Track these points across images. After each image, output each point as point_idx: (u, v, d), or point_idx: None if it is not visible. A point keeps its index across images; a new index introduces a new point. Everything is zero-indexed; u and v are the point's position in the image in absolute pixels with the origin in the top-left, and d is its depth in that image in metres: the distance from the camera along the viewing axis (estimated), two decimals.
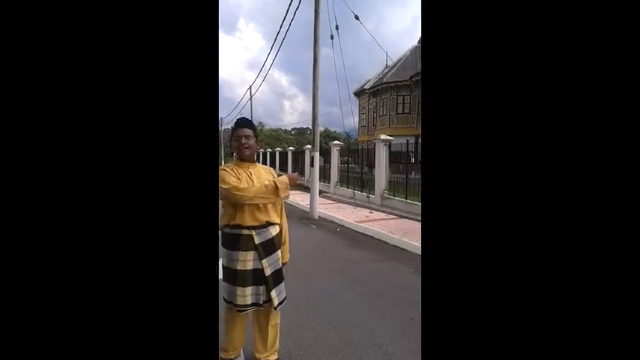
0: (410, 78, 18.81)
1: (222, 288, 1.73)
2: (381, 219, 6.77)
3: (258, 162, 2.00)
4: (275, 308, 1.77)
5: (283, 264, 1.91)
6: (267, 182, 1.71)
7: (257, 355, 1.88)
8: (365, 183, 9.71)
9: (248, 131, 1.79)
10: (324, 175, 11.62)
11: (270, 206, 1.80)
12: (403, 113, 19.65)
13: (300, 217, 7.06)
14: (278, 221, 1.85)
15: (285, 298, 1.84)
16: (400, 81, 19.36)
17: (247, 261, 1.70)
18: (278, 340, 1.92)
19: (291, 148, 17.81)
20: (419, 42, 21.36)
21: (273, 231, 1.80)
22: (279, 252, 1.83)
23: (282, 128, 50.63)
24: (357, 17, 7.32)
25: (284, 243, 1.94)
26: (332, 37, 7.74)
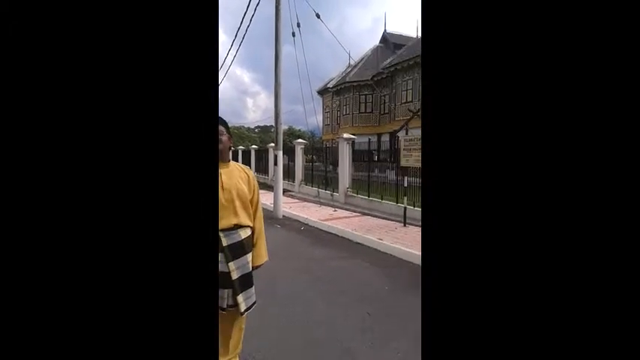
0: (371, 78, 19.18)
1: None
2: (345, 217, 6.88)
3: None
4: (242, 313, 1.74)
5: (256, 267, 1.88)
6: None
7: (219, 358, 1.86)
8: (329, 181, 9.80)
9: (220, 127, 1.72)
10: (289, 174, 11.59)
11: (240, 209, 1.75)
12: (366, 112, 20.03)
13: (264, 217, 6.99)
14: (249, 224, 1.80)
15: (254, 303, 1.81)
16: (362, 80, 19.69)
17: None
18: (241, 343, 1.91)
19: (254, 146, 17.53)
20: (380, 42, 21.82)
21: (243, 234, 1.76)
22: (248, 256, 1.79)
23: (245, 126, 49.55)
24: (318, 15, 7.35)
25: (255, 246, 1.90)
26: (293, 35, 7.73)
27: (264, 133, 44.28)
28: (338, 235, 5.57)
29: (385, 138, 16.91)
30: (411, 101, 15.97)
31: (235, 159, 17.67)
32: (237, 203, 1.74)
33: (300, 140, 12.06)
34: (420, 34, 19.71)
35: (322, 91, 23.91)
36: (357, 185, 8.83)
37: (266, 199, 8.74)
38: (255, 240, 1.89)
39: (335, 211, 7.58)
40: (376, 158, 11.12)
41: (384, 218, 6.61)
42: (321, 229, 6.02)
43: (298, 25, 7.52)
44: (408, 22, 57.82)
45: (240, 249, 1.74)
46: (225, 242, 1.69)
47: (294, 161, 11.50)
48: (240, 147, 18.88)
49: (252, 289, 1.80)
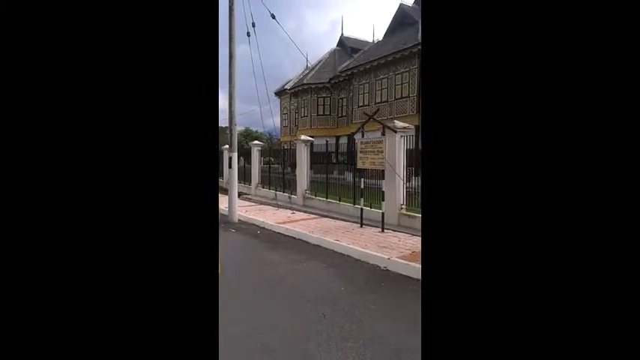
0: (329, 80, 19.38)
1: None
2: (303, 219, 6.86)
3: None
4: None
5: None
6: None
7: None
8: (287, 183, 9.73)
9: None
10: (245, 177, 11.36)
11: None
12: (324, 114, 20.18)
13: (219, 222, 6.77)
14: None
15: None
16: (320, 83, 19.84)
17: None
18: None
19: None
20: (337, 45, 22.13)
21: None
22: None
23: None
24: (273, 16, 7.29)
25: None
26: (248, 34, 7.59)
27: (220, 135, 43.11)
28: (295, 238, 5.53)
29: (344, 140, 17.14)
30: (368, 105, 16.35)
31: None
32: None
33: (256, 142, 11.86)
34: (376, 39, 20.28)
35: (280, 93, 23.77)
36: (316, 187, 8.85)
37: (220, 202, 8.48)
38: None
39: (293, 213, 7.54)
40: (335, 160, 11.23)
41: (341, 220, 6.68)
42: (278, 233, 5.95)
43: (253, 25, 7.41)
44: (365, 27, 59.39)
45: None
46: None
47: (250, 163, 11.28)
48: None
49: None
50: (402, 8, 17.04)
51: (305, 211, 7.80)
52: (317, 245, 5.05)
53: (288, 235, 5.71)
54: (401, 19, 16.82)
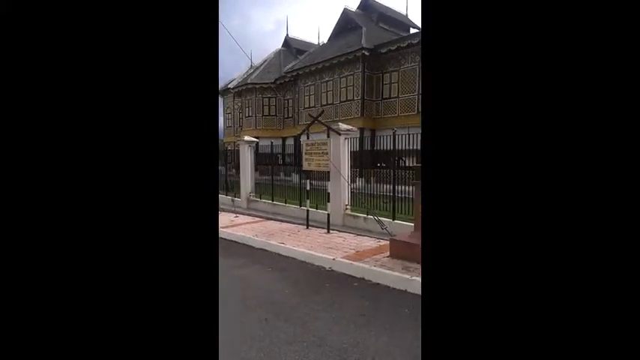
0: (274, 81, 19.23)
1: None
2: (247, 222, 6.70)
3: None
4: None
5: None
6: None
7: None
8: (230, 186, 9.45)
9: None
10: None
11: None
12: (269, 115, 19.98)
13: None
14: None
15: None
16: (265, 83, 19.60)
17: None
18: None
19: None
20: (282, 46, 22.05)
21: None
22: None
23: None
24: None
25: None
26: None
27: None
28: (238, 242, 5.39)
29: (290, 142, 17.09)
30: (314, 106, 16.49)
31: None
32: None
33: None
34: (321, 42, 20.53)
35: (223, 92, 23.07)
36: (261, 189, 8.70)
37: None
38: None
39: (236, 217, 7.34)
40: (281, 162, 11.15)
41: (287, 222, 6.64)
42: (220, 238, 5.74)
43: None
44: (310, 28, 59.90)
45: None
46: None
47: None
48: None
49: None
50: (346, 13, 17.44)
51: (249, 214, 7.63)
52: (261, 249, 4.96)
53: (230, 240, 5.54)
54: (344, 24, 17.21)
